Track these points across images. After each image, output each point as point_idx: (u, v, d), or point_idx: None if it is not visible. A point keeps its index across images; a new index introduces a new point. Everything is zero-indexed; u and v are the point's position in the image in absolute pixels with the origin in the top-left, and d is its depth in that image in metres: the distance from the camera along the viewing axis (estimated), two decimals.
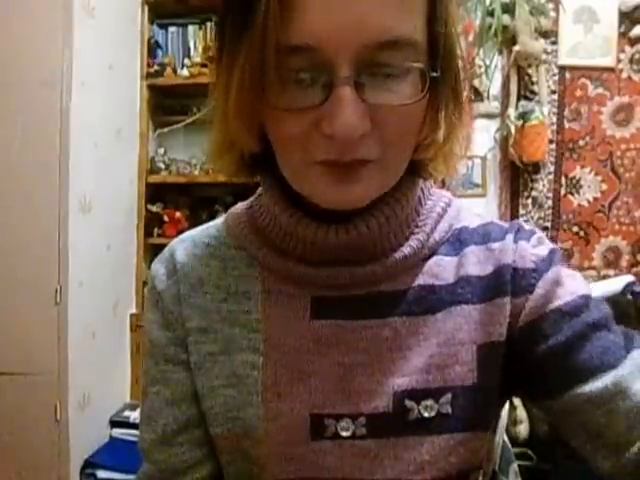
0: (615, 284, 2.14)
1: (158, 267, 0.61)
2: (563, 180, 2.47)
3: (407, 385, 0.52)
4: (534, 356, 0.51)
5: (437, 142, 0.51)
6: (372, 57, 0.43)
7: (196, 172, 2.62)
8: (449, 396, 0.52)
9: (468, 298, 0.54)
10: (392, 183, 0.51)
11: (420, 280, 0.55)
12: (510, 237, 0.56)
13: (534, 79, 2.40)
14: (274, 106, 0.45)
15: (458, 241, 0.57)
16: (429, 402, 0.52)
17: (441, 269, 0.55)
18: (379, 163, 0.47)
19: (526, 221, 2.49)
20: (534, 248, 0.55)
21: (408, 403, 0.52)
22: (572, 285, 0.53)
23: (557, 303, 0.52)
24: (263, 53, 0.42)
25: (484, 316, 0.54)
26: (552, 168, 2.47)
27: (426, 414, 0.52)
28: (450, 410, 0.52)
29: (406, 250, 0.54)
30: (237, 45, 0.45)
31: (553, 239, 2.46)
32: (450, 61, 0.48)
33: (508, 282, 0.54)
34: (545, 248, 0.55)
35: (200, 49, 2.59)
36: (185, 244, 0.61)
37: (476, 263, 0.55)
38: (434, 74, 0.46)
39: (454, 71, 0.48)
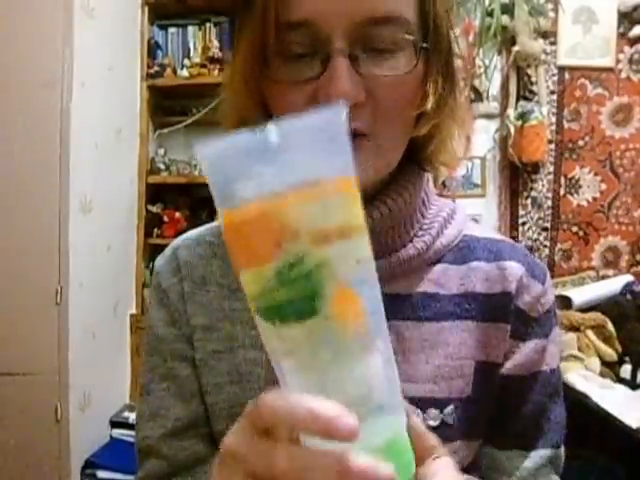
0: (614, 284, 2.14)
1: (162, 265, 0.62)
2: (562, 180, 2.47)
3: (414, 393, 0.53)
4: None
5: (427, 114, 0.51)
6: (365, 32, 0.46)
7: (196, 172, 2.61)
8: (452, 407, 0.53)
9: (474, 315, 0.55)
10: (388, 165, 0.51)
11: (425, 287, 0.55)
12: (520, 268, 0.57)
13: (533, 79, 2.40)
14: (274, 79, 0.48)
15: (467, 248, 0.58)
16: (434, 412, 0.53)
17: (447, 279, 0.56)
18: (372, 140, 0.48)
19: (525, 222, 2.49)
20: (544, 296, 0.57)
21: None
22: (552, 354, 0.58)
23: (536, 369, 0.57)
24: (264, 29, 0.46)
25: (485, 335, 0.55)
26: (551, 168, 2.47)
27: (431, 422, 0.52)
28: (452, 421, 0.53)
29: (411, 251, 0.54)
30: (243, 24, 0.50)
31: (552, 239, 2.47)
32: (439, 36, 0.50)
33: (510, 313, 0.56)
34: (551, 296, 0.58)
35: (200, 50, 2.59)
36: (188, 242, 0.62)
37: (484, 280, 0.56)
38: (424, 45, 0.48)
39: (443, 45, 0.51)
